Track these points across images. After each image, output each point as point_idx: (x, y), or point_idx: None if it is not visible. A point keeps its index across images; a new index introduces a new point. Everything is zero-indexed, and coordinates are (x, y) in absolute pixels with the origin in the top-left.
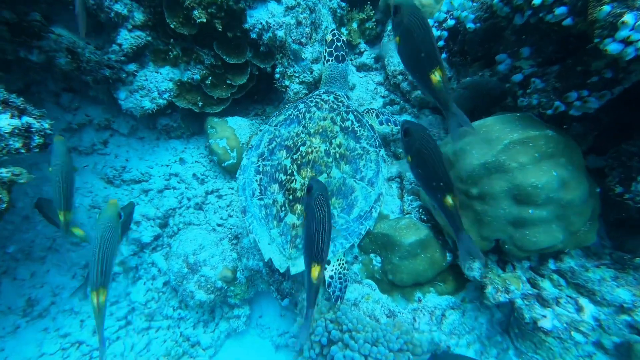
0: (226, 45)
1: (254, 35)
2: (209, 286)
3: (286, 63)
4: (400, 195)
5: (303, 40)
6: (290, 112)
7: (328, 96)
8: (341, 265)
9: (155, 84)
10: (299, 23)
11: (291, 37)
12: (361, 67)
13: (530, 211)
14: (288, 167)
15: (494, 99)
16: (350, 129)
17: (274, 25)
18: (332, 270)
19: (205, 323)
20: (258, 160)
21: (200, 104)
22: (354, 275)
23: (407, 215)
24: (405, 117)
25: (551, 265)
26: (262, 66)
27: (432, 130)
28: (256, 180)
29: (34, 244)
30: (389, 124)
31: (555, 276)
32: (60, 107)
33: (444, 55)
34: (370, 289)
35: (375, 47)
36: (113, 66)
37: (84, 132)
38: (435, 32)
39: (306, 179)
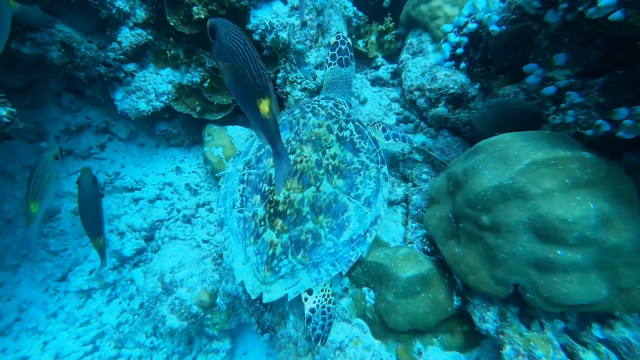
0: None
1: (256, 37)
2: (183, 311)
3: (288, 68)
4: (405, 221)
5: (307, 42)
6: (284, 118)
7: (327, 102)
8: (326, 297)
9: (154, 85)
10: (304, 24)
11: (295, 39)
12: (376, 82)
13: (559, 252)
14: (273, 177)
15: (526, 122)
16: (348, 140)
17: (277, 26)
18: (315, 303)
19: (180, 356)
20: (244, 168)
21: (199, 109)
22: (342, 312)
23: (409, 245)
24: (420, 136)
25: (596, 332)
26: (267, 72)
27: (450, 154)
28: (239, 190)
29: (8, 250)
30: (397, 139)
31: (603, 348)
32: (61, 108)
33: (462, 65)
34: (361, 330)
35: (394, 62)
36: (109, 64)
37: (82, 135)
38: (454, 38)
39: (291, 192)
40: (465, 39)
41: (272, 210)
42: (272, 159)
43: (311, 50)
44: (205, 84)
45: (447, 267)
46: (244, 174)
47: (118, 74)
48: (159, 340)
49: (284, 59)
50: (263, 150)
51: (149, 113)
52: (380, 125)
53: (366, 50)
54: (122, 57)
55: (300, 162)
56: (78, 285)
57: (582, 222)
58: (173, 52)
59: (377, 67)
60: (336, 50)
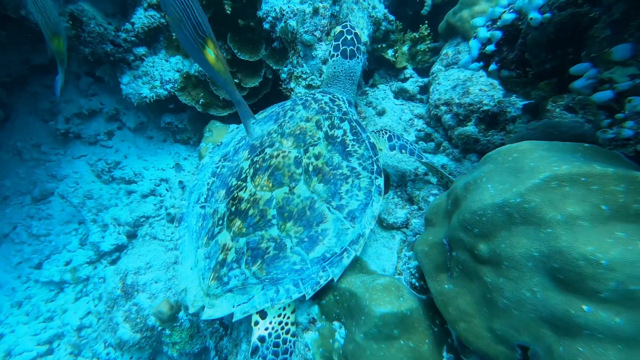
0: (240, 39)
1: (267, 26)
2: (138, 321)
3: (295, 61)
4: (401, 249)
5: (317, 33)
6: (273, 109)
7: (323, 96)
8: (283, 325)
9: (161, 72)
10: (315, 12)
11: (303, 28)
12: (400, 94)
13: (584, 308)
14: (244, 171)
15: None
16: (339, 140)
17: (287, 13)
18: (267, 330)
19: None
20: (220, 160)
21: (202, 100)
22: (303, 350)
23: (397, 277)
24: (441, 157)
25: None
26: (275, 67)
27: None
28: (207, 184)
29: None
30: (404, 151)
31: None
32: (78, 90)
33: (493, 67)
34: None
35: (425, 76)
36: (119, 44)
37: (93, 120)
38: (484, 33)
39: (259, 189)
40: (498, 34)
41: (233, 208)
42: (247, 150)
43: (320, 43)
44: None
45: (438, 312)
46: (217, 167)
47: (127, 57)
48: (117, 352)
49: (292, 51)
50: (243, 142)
51: (151, 100)
52: (386, 133)
53: (394, 59)
54: (133, 39)
55: (276, 156)
56: (51, 275)
57: (624, 269)
58: None
59: (404, 79)
60: (340, 40)
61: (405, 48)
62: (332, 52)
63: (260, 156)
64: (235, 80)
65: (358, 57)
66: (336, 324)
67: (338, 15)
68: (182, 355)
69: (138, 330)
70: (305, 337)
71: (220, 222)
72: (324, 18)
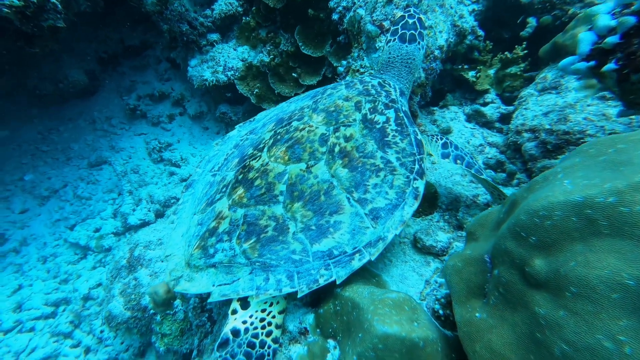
0: (306, 32)
1: (335, 17)
2: (133, 297)
3: (356, 54)
4: (432, 277)
5: (386, 23)
6: (318, 90)
7: (371, 79)
8: (265, 323)
9: (226, 58)
10: (389, 0)
11: (372, 17)
12: (474, 117)
13: None
14: (263, 141)
15: None
16: (378, 127)
17: (359, 1)
18: (244, 324)
19: None
20: (246, 134)
21: (257, 91)
22: None
23: (420, 301)
24: (512, 190)
25: None
26: (336, 64)
27: None
28: (227, 154)
29: (47, 182)
30: (459, 162)
31: None
32: (157, 74)
33: (611, 66)
34: None
35: (510, 105)
36: (195, 26)
37: (160, 103)
38: (606, 21)
39: (272, 160)
40: (631, 20)
41: (240, 176)
42: (274, 123)
43: (386, 35)
44: (274, 62)
45: (460, 351)
46: (241, 139)
47: (200, 41)
48: (111, 332)
49: (355, 44)
50: (274, 116)
51: (211, 84)
52: (442, 138)
53: (474, 80)
54: (210, 24)
55: (301, 130)
56: (79, 238)
57: None
58: (255, 30)
59: (484, 104)
60: (400, 24)
61: (491, 72)
62: (388, 38)
63: (284, 128)
64: (293, 75)
65: (419, 43)
66: (331, 342)
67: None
68: (169, 351)
69: (130, 308)
70: (291, 349)
71: (224, 189)
72: (397, 8)
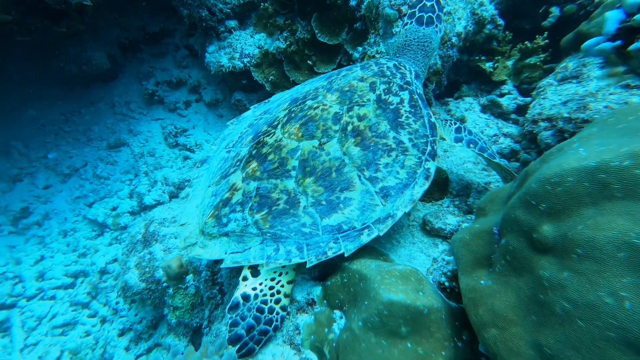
0: (323, 19)
1: (353, 3)
2: (147, 270)
3: (372, 40)
4: (440, 256)
5: (404, 8)
6: (333, 72)
7: (387, 61)
8: (274, 291)
9: (243, 45)
10: None
11: (390, 1)
12: (489, 107)
13: None
14: (278, 119)
15: None
16: (392, 108)
17: None
18: (254, 290)
19: (136, 339)
20: (260, 114)
21: (272, 78)
22: (292, 330)
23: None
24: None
25: None
26: (351, 52)
27: None
28: (241, 132)
29: (69, 160)
30: (472, 146)
31: None
32: (175, 61)
33: (636, 45)
34: None
35: (527, 96)
36: (214, 12)
37: (177, 90)
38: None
39: (286, 136)
40: None
41: (254, 151)
42: (289, 102)
43: (404, 19)
44: (290, 49)
45: (466, 322)
46: (256, 119)
47: (219, 27)
48: (125, 305)
49: (372, 30)
50: (289, 98)
51: (227, 70)
52: (455, 123)
53: (491, 70)
54: (229, 11)
55: (315, 108)
56: (97, 215)
57: None
58: (272, 17)
59: (501, 95)
60: (418, 7)
61: (509, 62)
62: (406, 21)
63: (298, 107)
64: (308, 63)
65: (436, 26)
66: (337, 313)
67: None
68: (180, 324)
69: (144, 280)
70: (299, 318)
71: (238, 163)
72: None
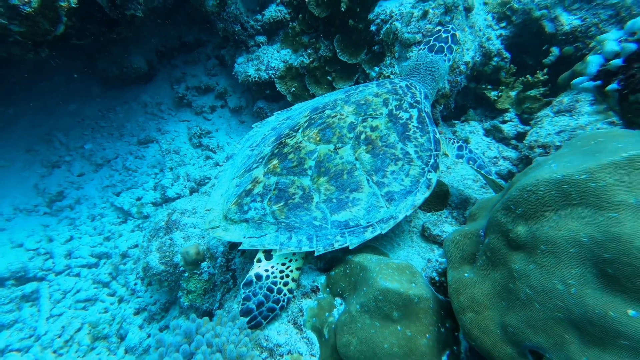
0: (345, 40)
1: (373, 28)
2: (167, 254)
3: (388, 62)
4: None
5: (418, 36)
6: (352, 87)
7: (401, 81)
8: (284, 275)
9: (269, 59)
10: (424, 15)
11: (407, 29)
12: (492, 132)
13: (631, 313)
14: (299, 124)
15: None
16: (402, 122)
17: (396, 15)
18: (266, 271)
19: (149, 319)
20: (283, 120)
21: (294, 90)
22: (296, 312)
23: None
24: None
25: None
26: (368, 71)
27: None
28: (264, 134)
29: (103, 152)
30: (471, 164)
31: None
32: (205, 69)
33: (613, 86)
34: (308, 348)
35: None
36: (246, 28)
37: (205, 95)
38: (612, 47)
39: (305, 139)
40: (632, 46)
41: (276, 151)
42: (310, 110)
43: (418, 46)
44: (312, 65)
45: (450, 312)
46: (279, 123)
47: (249, 41)
48: (142, 286)
49: (388, 53)
50: (310, 105)
51: (253, 80)
52: (458, 142)
53: (495, 98)
54: (259, 28)
55: (333, 117)
56: (122, 203)
57: None
58: (299, 35)
59: (503, 122)
60: (434, 36)
61: (512, 93)
62: (421, 47)
63: (318, 115)
64: (328, 78)
65: (445, 55)
66: (338, 300)
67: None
68: (191, 307)
69: (164, 263)
70: (303, 302)
71: (261, 160)
72: (430, 23)
